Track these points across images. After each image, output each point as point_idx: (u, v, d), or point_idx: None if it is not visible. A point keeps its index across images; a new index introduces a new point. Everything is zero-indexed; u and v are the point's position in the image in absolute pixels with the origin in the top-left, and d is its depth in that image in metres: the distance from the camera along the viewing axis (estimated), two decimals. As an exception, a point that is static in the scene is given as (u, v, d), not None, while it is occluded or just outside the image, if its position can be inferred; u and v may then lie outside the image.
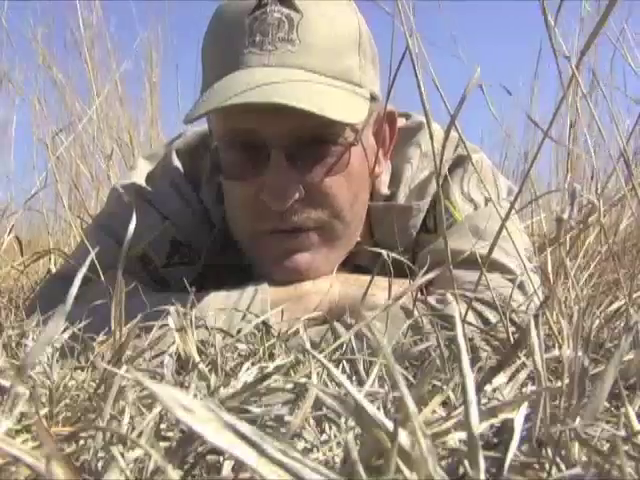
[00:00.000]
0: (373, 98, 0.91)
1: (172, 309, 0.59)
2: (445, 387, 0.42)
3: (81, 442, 0.40)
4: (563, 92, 0.61)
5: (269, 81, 0.80)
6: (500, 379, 0.45)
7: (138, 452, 0.35)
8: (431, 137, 0.65)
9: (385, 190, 1.00)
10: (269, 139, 0.85)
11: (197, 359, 0.55)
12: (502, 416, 0.35)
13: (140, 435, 0.38)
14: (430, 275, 0.59)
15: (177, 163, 1.05)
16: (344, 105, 0.84)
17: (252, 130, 0.85)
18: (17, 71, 2.60)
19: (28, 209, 2.02)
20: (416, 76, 0.62)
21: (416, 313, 0.72)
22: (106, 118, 2.53)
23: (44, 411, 0.45)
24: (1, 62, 2.59)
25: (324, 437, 0.42)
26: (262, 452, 0.25)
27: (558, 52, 0.61)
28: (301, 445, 0.40)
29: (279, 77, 0.81)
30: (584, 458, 0.34)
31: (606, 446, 0.36)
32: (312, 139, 0.86)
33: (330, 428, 0.43)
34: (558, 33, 0.64)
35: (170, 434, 0.42)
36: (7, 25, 2.54)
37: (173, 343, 0.57)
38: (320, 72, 0.84)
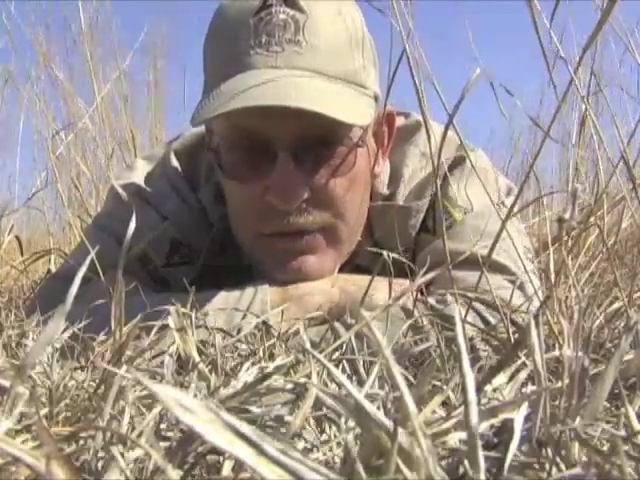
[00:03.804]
0: (375, 99, 0.91)
1: (172, 309, 0.59)
2: (445, 387, 0.42)
3: (81, 442, 0.40)
4: (562, 93, 0.61)
5: (279, 83, 0.80)
6: (500, 379, 0.45)
7: (138, 452, 0.35)
8: (429, 137, 0.65)
9: (384, 190, 1.00)
10: (277, 140, 0.84)
11: (197, 359, 0.55)
12: (502, 416, 0.34)
13: (140, 435, 0.38)
14: (430, 275, 0.59)
15: (175, 163, 1.05)
16: (353, 107, 0.84)
17: (258, 131, 0.85)
18: (19, 69, 2.61)
19: (28, 207, 2.02)
20: (412, 76, 0.62)
21: (416, 313, 0.72)
22: (107, 117, 2.53)
23: (44, 411, 0.45)
24: (4, 61, 2.60)
25: (324, 437, 0.42)
26: (262, 452, 0.25)
27: (551, 53, 0.61)
28: (301, 445, 0.40)
29: (288, 79, 0.80)
30: (584, 458, 0.34)
31: (606, 446, 0.36)
32: (319, 141, 0.86)
33: (330, 428, 0.43)
34: (554, 35, 0.64)
35: (170, 434, 0.42)
36: (9, 24, 2.55)
37: (173, 343, 0.57)
38: (327, 74, 0.84)
